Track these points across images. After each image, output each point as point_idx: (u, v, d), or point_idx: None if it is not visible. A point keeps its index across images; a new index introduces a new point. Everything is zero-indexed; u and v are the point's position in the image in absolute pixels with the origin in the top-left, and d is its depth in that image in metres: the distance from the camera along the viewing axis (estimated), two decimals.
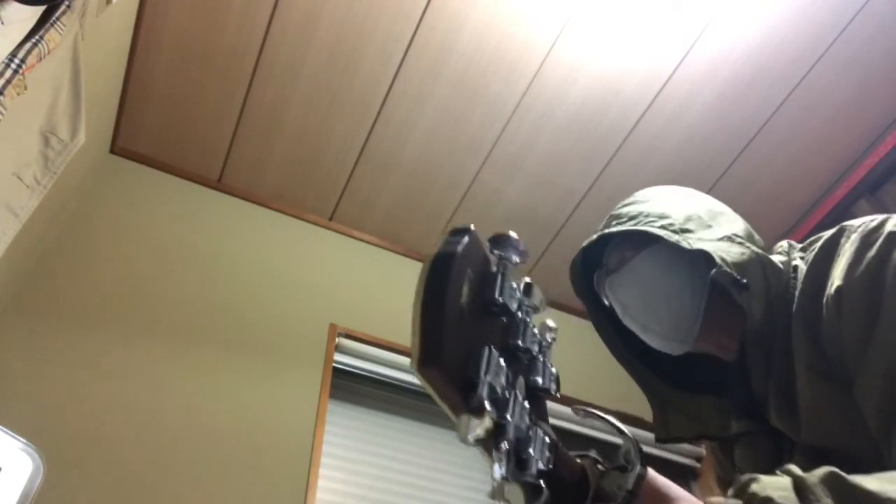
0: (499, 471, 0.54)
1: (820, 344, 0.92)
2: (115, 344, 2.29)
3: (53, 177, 1.79)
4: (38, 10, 1.45)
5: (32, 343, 2.16)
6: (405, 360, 2.76)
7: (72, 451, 2.02)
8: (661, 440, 1.14)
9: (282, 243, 2.92)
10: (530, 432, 0.57)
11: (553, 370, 0.64)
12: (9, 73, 1.40)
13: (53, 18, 1.51)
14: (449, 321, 0.50)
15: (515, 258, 0.58)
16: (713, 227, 1.06)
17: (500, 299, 0.57)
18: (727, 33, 2.66)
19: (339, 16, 2.54)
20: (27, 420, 1.98)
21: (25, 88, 1.47)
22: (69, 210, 2.46)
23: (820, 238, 1.00)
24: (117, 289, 2.42)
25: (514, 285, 0.59)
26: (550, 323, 0.65)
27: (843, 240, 0.95)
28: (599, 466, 0.67)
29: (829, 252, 0.96)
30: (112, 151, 2.78)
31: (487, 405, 0.51)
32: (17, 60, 1.41)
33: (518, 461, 0.56)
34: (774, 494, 0.64)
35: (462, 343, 0.52)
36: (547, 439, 0.59)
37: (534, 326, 0.62)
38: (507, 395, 0.54)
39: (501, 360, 0.54)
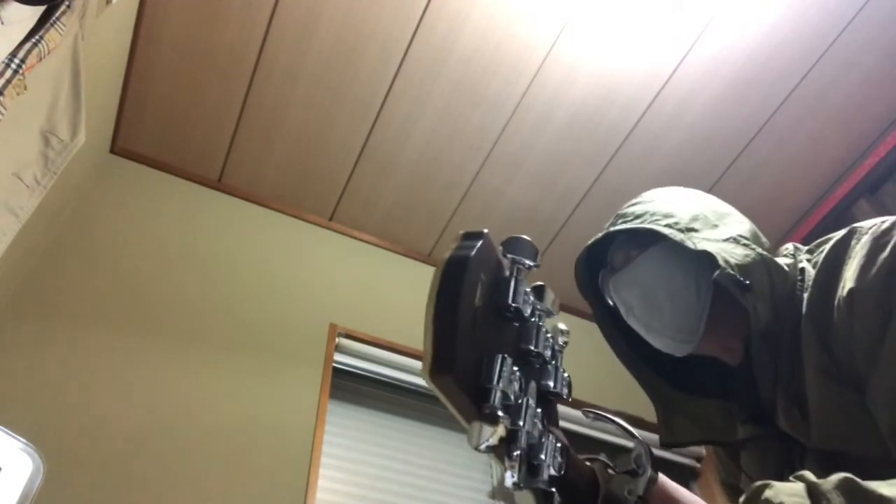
0: (511, 478, 0.54)
1: (830, 347, 0.91)
2: (115, 344, 2.29)
3: (53, 177, 1.78)
4: (38, 10, 1.44)
5: (32, 343, 2.16)
6: (405, 360, 2.77)
7: (72, 451, 2.02)
8: (665, 444, 1.14)
9: (282, 243, 2.92)
10: (542, 438, 0.56)
11: (565, 375, 0.63)
12: (9, 73, 1.39)
13: (53, 18, 1.50)
14: (462, 327, 0.50)
15: (528, 262, 0.57)
16: (719, 227, 1.05)
17: (514, 304, 0.56)
18: (727, 33, 2.66)
19: (339, 16, 2.54)
20: (27, 420, 1.98)
21: (25, 88, 1.46)
22: (69, 210, 2.45)
23: (828, 240, 0.99)
24: (117, 289, 2.41)
25: (527, 289, 0.59)
26: (562, 326, 0.65)
27: (853, 241, 0.94)
28: (609, 470, 0.67)
29: (839, 254, 0.95)
30: (112, 151, 2.77)
31: (501, 412, 0.50)
32: (17, 60, 1.41)
33: (530, 467, 0.55)
34: (788, 501, 0.63)
35: (475, 349, 0.52)
36: (558, 444, 0.59)
37: (546, 331, 0.62)
38: (520, 402, 0.54)
39: (514, 367, 0.54)
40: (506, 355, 0.53)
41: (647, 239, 1.08)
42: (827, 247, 0.99)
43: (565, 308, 3.16)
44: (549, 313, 0.62)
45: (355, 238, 3.13)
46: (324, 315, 2.77)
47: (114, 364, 2.24)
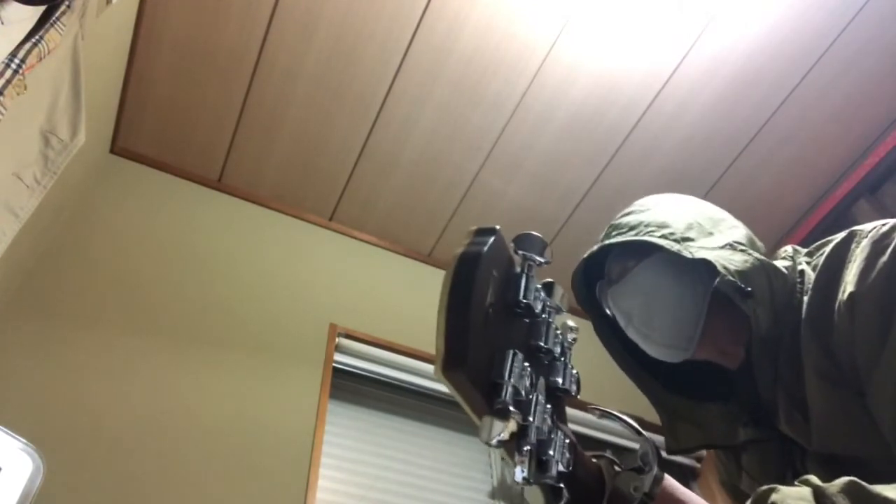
0: (520, 473, 0.54)
1: (831, 350, 0.90)
2: (115, 344, 2.28)
3: (53, 177, 1.78)
4: (38, 10, 1.44)
5: (32, 343, 2.15)
6: (405, 361, 2.76)
7: (72, 451, 2.01)
8: (671, 451, 1.13)
9: (282, 243, 2.92)
10: (551, 434, 0.56)
11: (574, 371, 0.63)
12: (9, 73, 1.39)
13: (53, 18, 1.50)
14: (474, 323, 0.50)
15: (539, 258, 0.57)
16: (714, 234, 1.05)
17: (525, 300, 0.56)
18: (727, 33, 2.66)
19: (339, 16, 2.54)
20: (27, 420, 1.97)
21: (25, 88, 1.46)
22: (69, 210, 2.45)
23: (828, 243, 0.99)
24: (117, 289, 2.41)
25: (538, 286, 0.59)
26: (571, 323, 0.65)
27: (853, 245, 0.94)
28: (616, 467, 0.67)
29: (839, 257, 0.95)
30: (112, 151, 2.77)
31: (512, 408, 0.50)
32: (17, 60, 1.40)
33: (539, 463, 0.55)
34: None
35: (487, 345, 0.52)
36: (567, 440, 0.59)
37: (556, 327, 0.62)
38: (530, 398, 0.54)
39: (525, 363, 0.54)
40: (517, 351, 0.53)
41: (644, 249, 1.08)
42: (827, 250, 0.98)
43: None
44: (558, 310, 0.63)
45: (355, 238, 3.13)
46: (324, 315, 2.77)
47: (114, 364, 2.24)
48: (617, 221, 1.13)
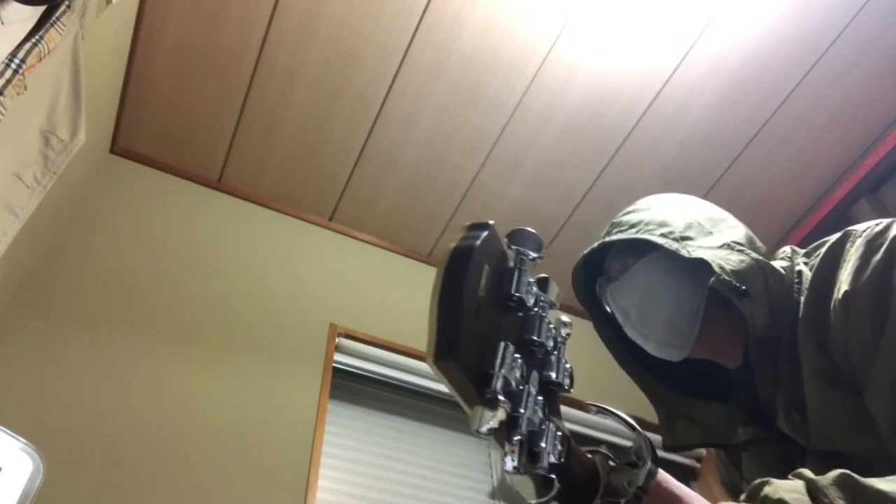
0: (511, 463, 0.55)
1: (828, 349, 0.91)
2: (115, 344, 2.29)
3: (53, 177, 1.78)
4: (38, 10, 1.44)
5: (32, 343, 2.16)
6: (405, 360, 2.77)
7: (72, 451, 2.02)
8: (668, 448, 1.14)
9: (282, 243, 2.92)
10: (543, 426, 0.57)
11: (567, 366, 0.64)
12: (9, 73, 1.39)
13: (53, 18, 1.50)
14: (466, 314, 0.51)
15: (533, 253, 0.58)
16: (713, 234, 1.06)
17: (517, 294, 0.57)
18: (727, 33, 2.66)
19: (339, 16, 2.54)
20: (27, 420, 1.98)
21: (25, 88, 1.46)
22: (69, 210, 2.45)
23: (824, 243, 1.00)
24: (117, 289, 2.41)
25: (531, 280, 0.60)
26: (565, 318, 0.65)
27: (848, 244, 0.94)
28: (610, 462, 0.67)
29: (834, 257, 0.96)
30: (112, 151, 2.77)
31: (501, 397, 0.51)
32: (17, 60, 1.41)
33: (530, 454, 0.56)
34: (787, 497, 0.64)
35: (478, 336, 0.52)
36: (559, 433, 0.59)
37: (549, 322, 0.62)
38: (521, 389, 0.54)
39: (517, 355, 0.54)
40: (508, 343, 0.54)
41: (643, 248, 1.08)
42: (823, 250, 0.99)
43: (565, 308, 3.15)
44: (552, 305, 0.63)
45: (355, 238, 3.13)
46: (324, 315, 2.77)
47: (114, 364, 2.24)
48: (618, 219, 1.14)
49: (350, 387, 2.71)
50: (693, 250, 1.02)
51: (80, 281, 2.36)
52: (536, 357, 0.61)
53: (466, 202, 3.08)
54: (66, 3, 1.52)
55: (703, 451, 3.14)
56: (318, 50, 2.61)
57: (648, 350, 1.10)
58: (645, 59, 2.71)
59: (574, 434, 0.64)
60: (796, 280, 1.01)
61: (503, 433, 0.53)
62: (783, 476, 0.69)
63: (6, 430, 1.24)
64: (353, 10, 2.53)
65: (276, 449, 2.33)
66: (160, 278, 2.52)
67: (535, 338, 0.59)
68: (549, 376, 0.62)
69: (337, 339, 2.72)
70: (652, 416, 1.18)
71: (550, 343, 0.61)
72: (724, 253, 1.01)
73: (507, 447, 0.54)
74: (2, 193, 1.59)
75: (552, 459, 0.57)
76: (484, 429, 0.50)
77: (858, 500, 0.63)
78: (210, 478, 2.18)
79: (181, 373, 2.34)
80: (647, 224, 1.08)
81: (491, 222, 0.56)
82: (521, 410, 0.53)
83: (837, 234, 0.98)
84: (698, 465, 3.16)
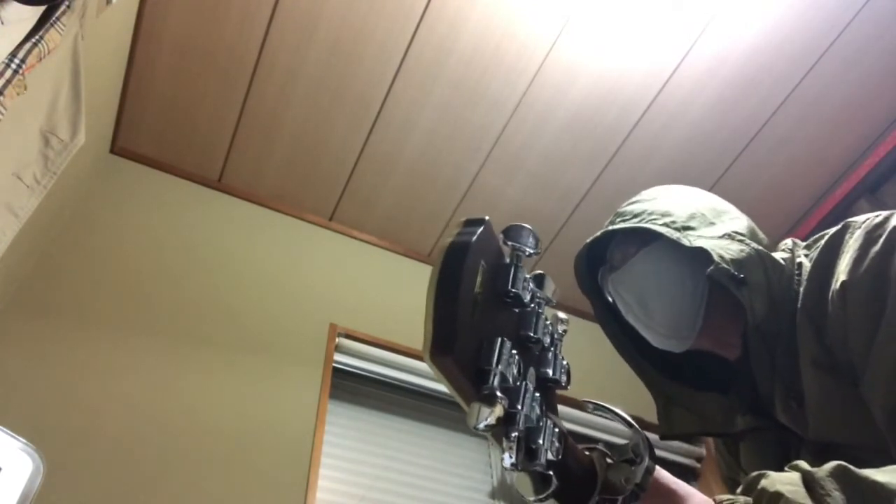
0: (508, 459, 0.54)
1: (825, 340, 0.92)
2: (116, 344, 2.29)
3: (53, 177, 1.78)
4: (38, 10, 1.44)
5: (32, 343, 2.16)
6: (405, 360, 2.77)
7: (72, 451, 2.02)
8: (664, 436, 1.14)
9: (282, 243, 2.92)
10: (540, 422, 0.57)
11: (564, 362, 0.64)
12: (9, 73, 1.39)
13: (53, 18, 1.50)
14: (462, 310, 0.50)
15: (529, 249, 0.58)
16: (715, 224, 1.06)
17: (514, 290, 0.57)
18: (727, 33, 2.66)
19: (339, 16, 2.54)
20: (27, 420, 1.98)
21: (25, 88, 1.46)
22: (69, 210, 2.45)
23: (824, 235, 1.00)
24: (117, 288, 2.41)
25: (527, 276, 0.60)
26: (562, 315, 0.65)
27: (847, 236, 0.95)
28: (608, 459, 0.67)
29: (833, 248, 0.96)
30: (112, 151, 2.78)
31: (499, 393, 0.51)
32: (17, 60, 1.41)
33: (528, 450, 0.56)
34: (784, 489, 0.64)
35: (475, 332, 0.52)
36: (556, 430, 0.59)
37: (546, 318, 0.62)
38: (518, 385, 0.54)
39: (513, 351, 0.54)
40: (505, 339, 0.54)
41: (645, 237, 1.09)
42: (822, 241, 1.00)
43: (565, 307, 3.16)
44: (548, 301, 0.63)
45: (355, 238, 3.13)
46: (324, 315, 2.77)
47: (114, 364, 2.24)
48: (622, 209, 1.15)
49: (350, 387, 2.71)
50: (694, 240, 1.02)
51: (80, 281, 2.36)
52: (533, 354, 0.61)
53: (466, 202, 3.08)
54: (66, 3, 1.52)
55: (703, 452, 3.14)
56: (318, 50, 2.61)
57: (651, 341, 1.10)
58: (645, 59, 2.71)
59: (571, 433, 0.64)
60: (796, 271, 1.01)
61: (500, 429, 0.53)
62: (780, 467, 0.69)
63: (6, 430, 1.24)
64: (352, 10, 2.53)
65: (275, 449, 2.33)
66: (160, 278, 2.52)
67: (532, 334, 0.59)
68: (546, 373, 0.62)
69: (337, 339, 2.72)
70: (650, 415, 1.18)
71: (547, 339, 0.61)
72: (725, 242, 1.01)
73: (504, 443, 0.54)
74: (2, 193, 1.59)
75: (550, 456, 0.57)
76: (481, 425, 0.50)
77: (855, 492, 0.63)
78: (210, 478, 2.18)
79: (181, 372, 2.34)
80: (650, 214, 1.09)
81: (486, 218, 0.56)
82: (519, 407, 0.53)
83: (837, 226, 0.98)
84: (698, 466, 3.16)
